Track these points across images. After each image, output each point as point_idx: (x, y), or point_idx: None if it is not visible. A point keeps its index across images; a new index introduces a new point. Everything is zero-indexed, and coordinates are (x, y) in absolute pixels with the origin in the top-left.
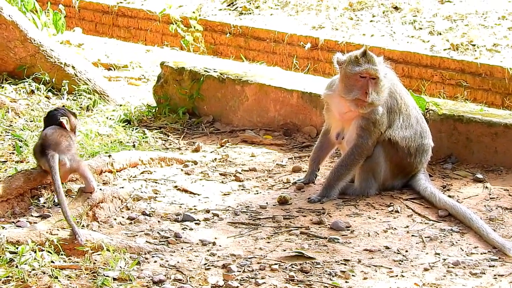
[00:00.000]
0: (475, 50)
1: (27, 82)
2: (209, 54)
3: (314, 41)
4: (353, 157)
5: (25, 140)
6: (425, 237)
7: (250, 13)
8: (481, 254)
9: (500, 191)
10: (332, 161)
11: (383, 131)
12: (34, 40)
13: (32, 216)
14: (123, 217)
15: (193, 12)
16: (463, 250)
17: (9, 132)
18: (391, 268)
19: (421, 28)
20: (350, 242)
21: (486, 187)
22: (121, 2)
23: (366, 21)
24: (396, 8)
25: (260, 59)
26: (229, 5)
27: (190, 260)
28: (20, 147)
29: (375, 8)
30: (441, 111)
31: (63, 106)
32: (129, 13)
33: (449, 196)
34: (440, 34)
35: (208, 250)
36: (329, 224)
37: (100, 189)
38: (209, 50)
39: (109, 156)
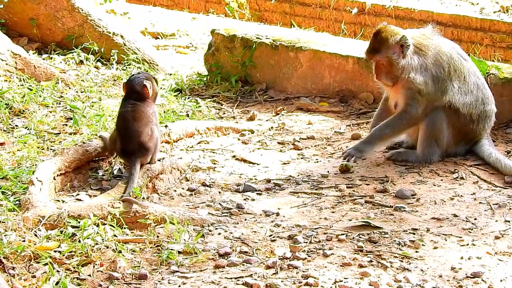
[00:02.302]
0: None
1: (75, 52)
2: (254, 20)
3: (361, 5)
4: (400, 121)
5: (80, 110)
6: (493, 204)
7: None
8: None
9: None
10: None
11: (436, 100)
12: (82, 10)
13: (91, 189)
14: (183, 188)
15: None
16: None
17: (60, 104)
18: (461, 237)
19: None
20: (417, 211)
21: None
22: None
23: None
24: None
25: (306, 25)
26: None
27: (255, 232)
28: (71, 118)
29: None
30: (503, 75)
31: (146, 70)
32: None
33: None
34: None
35: (272, 221)
36: (393, 192)
37: (159, 160)
38: (254, 17)
39: (166, 126)
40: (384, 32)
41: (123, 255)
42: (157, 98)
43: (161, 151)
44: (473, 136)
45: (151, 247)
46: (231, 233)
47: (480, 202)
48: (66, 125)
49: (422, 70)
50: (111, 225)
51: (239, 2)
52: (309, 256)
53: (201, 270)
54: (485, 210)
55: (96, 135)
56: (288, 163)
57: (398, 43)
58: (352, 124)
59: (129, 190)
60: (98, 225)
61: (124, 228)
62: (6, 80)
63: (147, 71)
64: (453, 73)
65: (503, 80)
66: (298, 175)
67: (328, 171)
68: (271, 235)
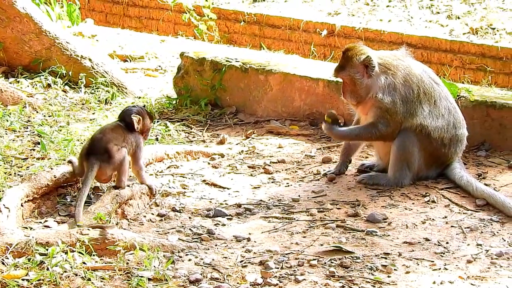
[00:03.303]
0: (495, 34)
1: (43, 76)
2: (223, 43)
3: (331, 27)
4: (368, 132)
5: (47, 135)
6: (465, 228)
7: (264, 0)
8: None
9: None
10: (363, 151)
11: (403, 121)
12: (50, 33)
13: (59, 215)
14: (152, 214)
15: (206, 1)
16: (505, 240)
17: (28, 128)
18: (433, 261)
19: (438, 12)
20: (389, 235)
21: None
22: None
23: (382, 6)
24: None
25: (276, 47)
26: None
27: (226, 258)
28: (39, 143)
29: None
30: (473, 98)
31: (144, 106)
32: (140, 2)
33: (485, 185)
34: (459, 18)
35: (243, 247)
36: (365, 216)
37: (128, 186)
38: (223, 39)
39: None
40: (351, 51)
41: (92, 282)
42: (147, 135)
43: (130, 176)
44: (445, 160)
45: (120, 274)
46: (202, 259)
47: (451, 226)
48: (34, 150)
49: (390, 89)
50: (79, 252)
51: (208, 24)
52: (280, 282)
53: None
54: (457, 234)
55: (65, 160)
56: (259, 187)
57: (362, 63)
58: (323, 148)
59: (79, 207)
60: (66, 252)
61: (93, 255)
62: None
63: (114, 94)
64: (422, 95)
65: (474, 103)
66: (269, 200)
67: (299, 195)
68: (242, 261)
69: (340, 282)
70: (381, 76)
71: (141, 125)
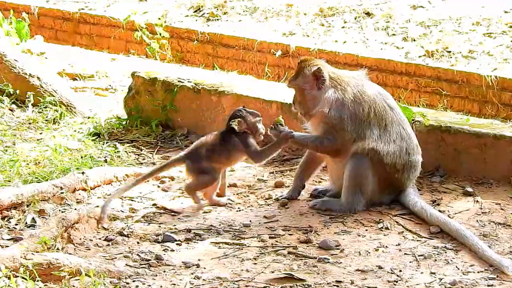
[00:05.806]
0: (451, 57)
1: None
2: (176, 62)
3: (285, 48)
4: (315, 146)
5: None
6: (419, 255)
7: (217, 20)
8: (478, 272)
9: (492, 205)
10: (317, 175)
11: (353, 141)
12: None
13: (3, 239)
14: (99, 238)
15: (159, 19)
16: (459, 268)
17: None
18: None
19: (394, 34)
20: (341, 262)
21: (477, 201)
22: (82, 9)
23: (337, 27)
24: (368, 14)
25: (229, 67)
26: (195, 11)
27: (174, 284)
28: None
29: (346, 14)
30: (428, 122)
31: (243, 107)
32: (91, 20)
33: (440, 211)
34: (414, 40)
35: (192, 273)
36: (317, 243)
37: (75, 209)
38: (176, 58)
39: (83, 173)
40: (304, 62)
41: None
42: (257, 130)
43: (77, 200)
44: (398, 185)
45: None
46: (150, 285)
47: (405, 253)
48: None
49: (338, 104)
50: (23, 278)
51: (161, 43)
52: None
53: None
54: (410, 262)
55: (10, 181)
56: (209, 211)
57: (313, 74)
58: (275, 171)
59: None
60: (10, 278)
61: (37, 280)
62: None
63: (62, 113)
64: (373, 116)
65: (429, 127)
66: (220, 225)
67: (250, 221)
68: None
69: None
70: (329, 90)
71: (245, 125)
